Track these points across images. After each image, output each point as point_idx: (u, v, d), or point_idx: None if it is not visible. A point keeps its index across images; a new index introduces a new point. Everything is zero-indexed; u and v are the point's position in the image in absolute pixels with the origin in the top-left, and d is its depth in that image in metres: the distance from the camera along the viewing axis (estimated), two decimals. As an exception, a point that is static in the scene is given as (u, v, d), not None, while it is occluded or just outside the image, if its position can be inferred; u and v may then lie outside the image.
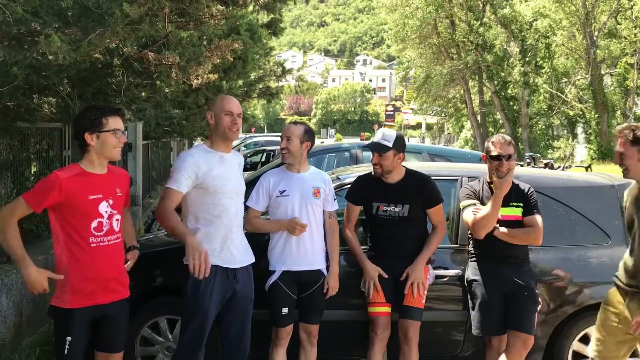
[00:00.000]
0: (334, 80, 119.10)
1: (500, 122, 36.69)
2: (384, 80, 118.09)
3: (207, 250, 3.16)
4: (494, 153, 3.72)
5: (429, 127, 57.61)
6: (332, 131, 72.26)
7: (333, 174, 4.76)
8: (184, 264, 3.39)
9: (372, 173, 3.92)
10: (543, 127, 36.22)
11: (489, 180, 3.85)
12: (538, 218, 3.74)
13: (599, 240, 4.13)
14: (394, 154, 3.78)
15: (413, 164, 4.80)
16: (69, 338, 2.95)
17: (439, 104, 43.99)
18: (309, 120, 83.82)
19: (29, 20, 3.51)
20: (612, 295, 3.34)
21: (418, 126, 74.28)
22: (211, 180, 3.32)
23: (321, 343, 3.80)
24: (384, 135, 3.85)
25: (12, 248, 2.88)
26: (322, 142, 18.91)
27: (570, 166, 19.80)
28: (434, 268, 3.97)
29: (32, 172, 5.83)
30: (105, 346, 3.13)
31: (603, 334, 3.31)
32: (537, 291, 3.79)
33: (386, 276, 3.82)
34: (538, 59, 32.68)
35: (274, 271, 3.68)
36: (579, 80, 33.36)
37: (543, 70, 32.97)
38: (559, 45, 33.06)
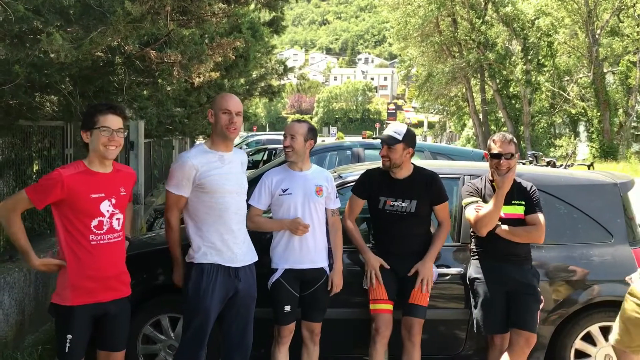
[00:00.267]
0: (335, 78, 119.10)
1: (502, 120, 36.66)
2: (385, 78, 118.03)
3: (209, 250, 3.28)
4: (494, 151, 3.72)
5: (430, 125, 57.58)
6: (333, 130, 72.23)
7: (335, 172, 4.75)
8: (186, 262, 3.41)
9: (381, 166, 3.91)
10: (545, 125, 36.16)
11: (491, 178, 3.85)
12: (540, 216, 3.73)
13: (602, 238, 4.13)
14: (403, 148, 3.80)
15: (415, 162, 4.79)
16: (69, 336, 2.96)
17: (441, 103, 43.94)
18: (311, 118, 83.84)
19: (31, 18, 3.51)
20: (634, 292, 3.34)
21: (420, 124, 74.24)
22: (209, 181, 3.32)
23: (323, 341, 3.80)
24: (395, 128, 3.88)
25: (17, 239, 2.95)
26: (323, 141, 18.91)
27: (572, 164, 19.77)
28: (437, 266, 3.96)
29: (34, 170, 5.83)
30: (107, 345, 3.13)
31: (626, 323, 3.33)
32: (539, 289, 3.79)
33: (387, 267, 3.82)
34: (540, 57, 32.63)
35: (277, 269, 3.68)
36: (581, 78, 33.29)
37: (545, 69, 32.91)
38: (561, 43, 32.99)
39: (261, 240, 3.80)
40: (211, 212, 3.35)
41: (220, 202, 3.34)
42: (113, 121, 3.00)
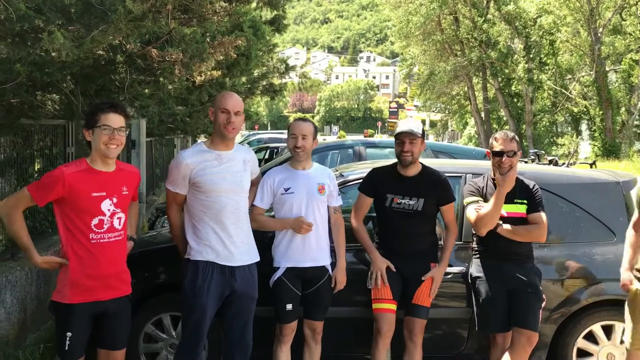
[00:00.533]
0: (337, 77, 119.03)
1: (504, 118, 36.58)
2: (387, 77, 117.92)
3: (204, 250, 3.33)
4: (496, 149, 3.72)
5: (432, 124, 57.51)
6: (335, 128, 72.21)
7: (337, 170, 4.75)
8: (184, 261, 3.42)
9: (402, 161, 3.85)
10: (547, 123, 36.07)
11: (493, 176, 3.84)
12: (543, 215, 3.72)
13: (604, 237, 4.12)
14: (421, 142, 3.82)
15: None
16: (69, 334, 2.96)
17: (443, 101, 43.86)
18: (313, 117, 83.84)
19: (32, 17, 3.52)
20: (633, 290, 3.43)
21: (422, 123, 74.09)
22: (204, 180, 3.32)
23: (325, 340, 3.80)
24: (413, 123, 3.90)
25: (19, 237, 2.97)
26: (325, 139, 18.88)
27: (574, 163, 19.73)
28: (438, 265, 3.96)
29: (36, 169, 5.83)
30: (107, 343, 3.13)
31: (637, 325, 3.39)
32: (541, 288, 3.78)
33: (394, 269, 3.82)
34: (542, 56, 32.54)
35: (278, 267, 3.68)
36: (583, 76, 33.21)
37: (547, 67, 32.83)
38: (563, 41, 32.91)
39: (263, 239, 3.79)
40: (207, 211, 3.36)
41: (217, 201, 3.34)
42: (114, 120, 3.00)
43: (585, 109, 33.20)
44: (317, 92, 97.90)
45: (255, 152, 17.30)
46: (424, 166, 3.95)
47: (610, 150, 29.23)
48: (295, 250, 3.66)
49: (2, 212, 2.97)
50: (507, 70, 33.64)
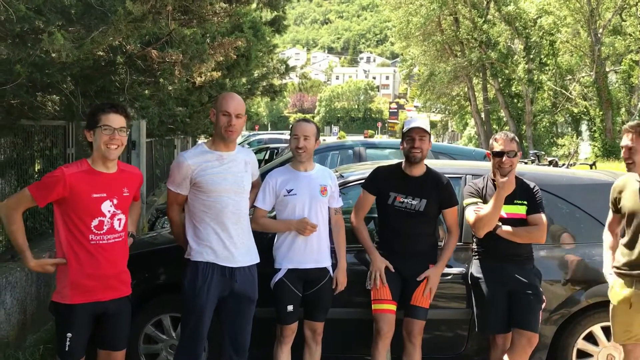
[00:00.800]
0: (337, 77, 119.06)
1: (504, 119, 36.58)
2: (387, 77, 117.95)
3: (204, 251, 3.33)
4: (496, 149, 3.72)
5: (432, 124, 57.52)
6: (335, 129, 72.21)
7: (337, 171, 4.75)
8: (184, 261, 3.42)
9: (411, 158, 3.83)
10: (547, 124, 36.08)
11: (493, 177, 3.84)
12: (543, 217, 3.72)
13: (604, 238, 4.11)
14: (429, 140, 3.84)
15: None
16: (69, 334, 2.97)
17: (443, 102, 43.89)
18: (313, 117, 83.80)
19: (32, 18, 3.52)
20: (615, 287, 3.50)
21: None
22: (205, 180, 3.32)
23: (325, 341, 3.80)
24: (421, 121, 3.90)
25: (15, 238, 2.98)
26: (324, 140, 18.88)
27: (574, 164, 19.73)
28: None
29: (36, 169, 5.84)
30: (107, 344, 3.14)
31: (623, 321, 3.47)
32: (541, 289, 3.78)
33: (393, 270, 3.82)
34: (542, 56, 32.56)
35: (279, 269, 3.68)
36: (583, 77, 33.21)
37: (547, 68, 32.84)
38: (563, 42, 32.92)
39: (262, 240, 3.79)
40: (208, 212, 3.36)
41: (217, 201, 3.34)
42: (115, 120, 2.99)
43: (585, 110, 33.21)
44: (317, 93, 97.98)
45: (256, 153, 17.29)
46: (428, 167, 3.95)
47: (610, 151, 29.22)
48: (297, 252, 3.66)
49: (2, 212, 2.98)
50: (507, 71, 33.65)
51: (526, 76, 31.73)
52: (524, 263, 3.78)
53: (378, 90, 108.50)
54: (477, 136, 39.45)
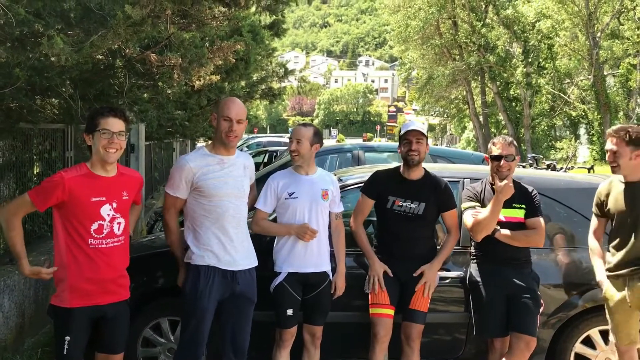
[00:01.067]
0: (336, 81, 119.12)
1: (503, 123, 36.62)
2: (386, 81, 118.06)
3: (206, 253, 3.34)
4: (495, 153, 3.74)
5: (431, 128, 57.52)
6: (334, 132, 72.20)
7: (335, 175, 4.75)
8: (184, 265, 3.42)
9: (408, 162, 3.84)
10: (545, 128, 36.13)
11: (492, 181, 3.85)
12: (541, 220, 3.73)
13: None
14: (427, 143, 3.84)
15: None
16: (67, 338, 2.97)
17: (441, 105, 43.91)
18: (312, 120, 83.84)
19: (32, 21, 3.52)
20: (609, 291, 3.57)
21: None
22: (207, 184, 3.33)
23: (324, 345, 3.80)
24: (418, 123, 3.92)
25: (14, 244, 2.98)
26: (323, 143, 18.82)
27: (572, 167, 19.76)
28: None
29: (35, 173, 5.84)
30: (105, 347, 3.14)
31: (619, 320, 3.56)
32: (539, 293, 3.78)
33: (391, 275, 3.82)
34: (540, 60, 32.60)
35: (280, 272, 3.68)
36: (581, 81, 33.27)
37: (545, 71, 32.89)
38: (561, 46, 32.97)
39: (261, 243, 3.80)
40: (209, 216, 3.36)
41: (218, 205, 3.35)
42: (114, 124, 3.00)
43: (583, 113, 33.26)
44: (316, 96, 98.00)
45: (254, 156, 17.29)
46: (426, 171, 3.96)
47: (609, 155, 29.20)
48: (297, 256, 3.66)
49: (3, 217, 2.98)
50: (505, 74, 33.69)
51: (524, 80, 31.77)
52: (522, 267, 3.79)
53: (377, 94, 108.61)
54: (475, 139, 39.46)
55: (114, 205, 3.04)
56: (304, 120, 72.55)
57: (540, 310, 3.75)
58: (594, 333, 4.05)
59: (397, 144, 4.03)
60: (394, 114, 78.41)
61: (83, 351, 3.06)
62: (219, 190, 3.35)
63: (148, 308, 4.06)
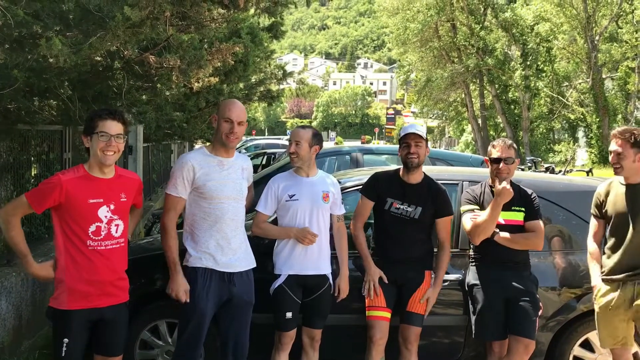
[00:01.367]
0: (334, 83, 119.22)
1: (501, 125, 36.70)
2: (384, 83, 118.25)
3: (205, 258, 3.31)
4: (494, 156, 3.74)
5: (429, 130, 57.59)
6: (332, 134, 72.27)
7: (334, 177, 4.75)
8: (183, 267, 3.41)
9: (408, 165, 3.83)
10: (544, 130, 36.22)
11: (491, 184, 3.85)
12: (540, 223, 3.73)
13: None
14: (426, 146, 3.82)
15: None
16: (66, 340, 2.96)
17: (440, 108, 43.97)
18: (310, 123, 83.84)
19: (30, 23, 3.52)
20: (600, 294, 3.61)
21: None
22: (207, 186, 3.33)
23: (322, 347, 3.79)
24: (417, 126, 3.90)
25: (16, 244, 2.96)
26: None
27: (571, 170, 19.78)
28: (435, 272, 3.95)
29: (33, 174, 5.83)
30: (104, 349, 3.13)
31: (599, 319, 3.62)
32: (538, 296, 3.78)
33: (387, 281, 3.81)
34: (539, 63, 32.68)
35: (279, 275, 3.67)
36: (580, 84, 33.36)
37: (544, 74, 32.98)
38: (560, 49, 33.09)
39: (259, 245, 3.79)
40: (207, 218, 3.36)
41: (218, 208, 3.35)
42: (112, 127, 2.99)
43: (582, 116, 33.35)
44: (315, 98, 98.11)
45: (253, 158, 17.29)
46: (426, 175, 3.95)
47: (607, 158, 29.20)
48: (298, 258, 3.65)
49: (1, 218, 2.97)
50: (504, 77, 33.77)
51: (523, 82, 31.84)
52: (521, 270, 3.78)
53: (375, 96, 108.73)
54: (474, 142, 39.53)
55: (112, 207, 3.03)
56: (302, 122, 72.59)
57: (539, 313, 3.74)
58: (593, 336, 4.03)
59: (396, 146, 4.04)
60: (393, 116, 78.50)
61: (82, 354, 3.05)
62: (219, 193, 3.35)
63: (146, 310, 4.04)
